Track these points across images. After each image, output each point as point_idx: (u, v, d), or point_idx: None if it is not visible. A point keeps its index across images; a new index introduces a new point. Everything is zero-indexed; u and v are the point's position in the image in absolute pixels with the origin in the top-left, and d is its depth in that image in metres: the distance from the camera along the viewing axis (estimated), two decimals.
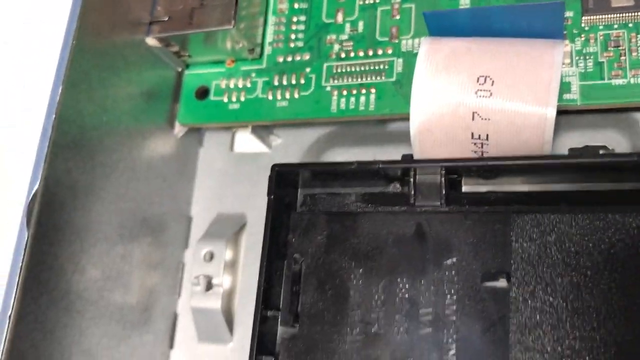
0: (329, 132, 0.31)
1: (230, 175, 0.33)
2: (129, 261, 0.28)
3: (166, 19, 0.29)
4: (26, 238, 0.21)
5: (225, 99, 0.30)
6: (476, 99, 0.22)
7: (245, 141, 0.33)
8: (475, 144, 0.22)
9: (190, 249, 0.32)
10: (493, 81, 0.22)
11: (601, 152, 0.23)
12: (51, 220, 0.23)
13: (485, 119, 0.22)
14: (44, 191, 0.23)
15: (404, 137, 0.29)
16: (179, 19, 0.29)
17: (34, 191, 0.22)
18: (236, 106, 0.30)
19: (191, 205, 0.33)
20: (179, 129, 0.32)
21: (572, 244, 0.20)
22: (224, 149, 0.33)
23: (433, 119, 0.22)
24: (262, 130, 0.32)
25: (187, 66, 0.32)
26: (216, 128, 0.33)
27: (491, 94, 0.22)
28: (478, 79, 0.22)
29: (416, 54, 0.28)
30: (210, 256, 0.30)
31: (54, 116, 0.23)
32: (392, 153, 0.29)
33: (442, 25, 0.24)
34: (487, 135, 0.22)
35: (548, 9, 0.22)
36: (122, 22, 0.28)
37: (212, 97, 0.31)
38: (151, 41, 0.29)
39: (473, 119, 0.22)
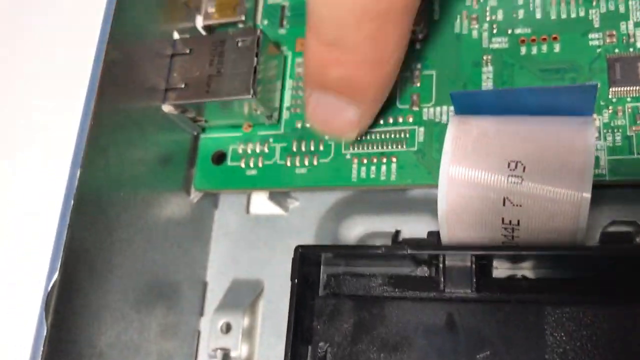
0: (347, 197, 0.31)
1: (246, 239, 0.32)
2: (146, 334, 0.27)
3: (182, 86, 0.29)
4: (45, 331, 0.21)
5: (243, 165, 0.30)
6: (507, 184, 0.21)
7: (262, 203, 0.32)
8: (505, 228, 0.22)
9: (206, 317, 0.31)
10: (524, 167, 0.21)
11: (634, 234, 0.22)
12: (69, 307, 0.23)
13: (517, 205, 0.21)
14: (62, 278, 0.22)
15: (426, 206, 0.29)
16: (196, 87, 0.29)
17: (52, 282, 0.21)
18: (254, 172, 0.30)
19: (206, 270, 0.32)
20: (194, 195, 0.31)
21: (609, 339, 0.19)
22: (240, 211, 0.33)
23: (462, 202, 0.22)
24: (278, 195, 0.31)
25: (203, 130, 0.31)
26: (230, 191, 0.33)
27: (522, 180, 0.21)
28: (509, 164, 0.21)
29: (438, 123, 0.27)
30: (227, 328, 0.29)
31: (72, 202, 0.22)
32: (414, 223, 0.29)
33: (469, 104, 0.23)
34: (519, 221, 0.21)
35: (581, 91, 0.22)
36: (138, 91, 0.27)
37: (229, 162, 0.30)
38: (167, 108, 0.29)
39: (504, 204, 0.21)
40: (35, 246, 0.22)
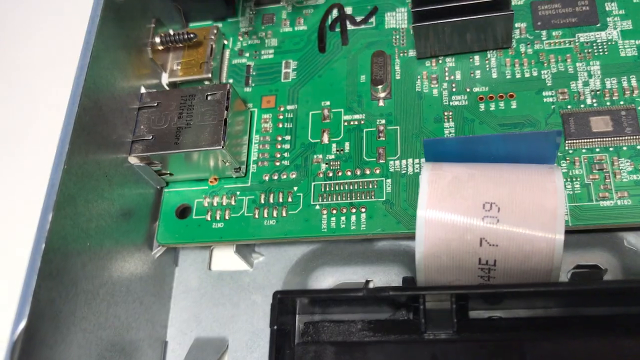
0: (313, 250, 0.31)
1: (209, 296, 0.31)
2: None
3: (150, 137, 0.29)
4: None
5: (209, 218, 0.30)
6: (483, 225, 0.22)
7: (224, 259, 0.32)
8: (482, 269, 0.22)
9: None
10: (499, 208, 0.22)
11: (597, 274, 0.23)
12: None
13: (493, 245, 0.22)
14: (27, 328, 0.21)
15: (394, 257, 0.29)
16: (164, 139, 0.29)
17: (19, 330, 0.20)
18: (220, 225, 0.29)
19: (167, 329, 0.31)
20: (157, 250, 0.30)
21: None
22: (202, 268, 0.32)
23: (440, 244, 0.22)
24: (244, 248, 0.31)
25: (167, 184, 0.31)
26: (192, 247, 0.32)
27: (498, 221, 0.22)
28: (484, 205, 0.22)
29: (404, 174, 0.28)
30: None
31: (43, 244, 0.21)
32: (381, 273, 0.29)
33: (439, 150, 0.24)
34: (495, 261, 0.22)
35: (544, 137, 0.23)
36: (106, 142, 0.27)
37: (194, 215, 0.30)
38: (133, 160, 0.29)
39: (481, 245, 0.22)
40: (1, 291, 0.21)
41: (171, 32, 0.32)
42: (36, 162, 0.23)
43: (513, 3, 0.31)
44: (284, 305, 0.23)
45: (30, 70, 0.26)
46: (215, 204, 0.30)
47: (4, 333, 0.20)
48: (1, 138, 0.23)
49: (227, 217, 0.29)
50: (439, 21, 0.28)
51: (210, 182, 0.30)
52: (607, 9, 0.30)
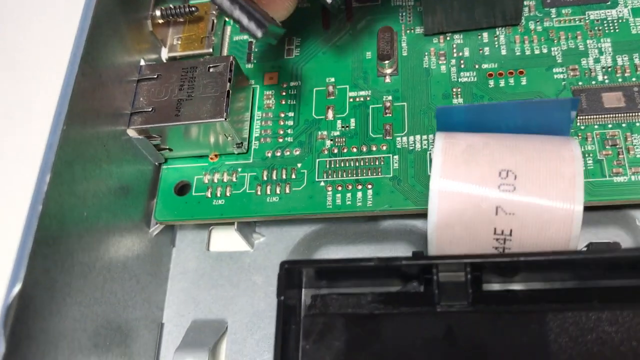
0: (316, 230, 0.30)
1: (207, 277, 0.30)
2: None
3: (150, 110, 0.28)
4: (3, 348, 0.18)
5: (209, 195, 0.29)
6: (499, 193, 0.21)
7: (223, 240, 0.31)
8: (497, 239, 0.21)
9: (165, 359, 0.29)
10: (515, 175, 0.21)
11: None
12: (26, 329, 0.20)
13: (510, 214, 0.21)
14: (21, 296, 0.20)
15: (399, 235, 0.28)
16: (164, 111, 0.28)
17: (13, 293, 0.19)
18: (221, 202, 0.28)
19: (163, 311, 0.30)
20: (154, 227, 0.29)
21: (615, 342, 0.19)
22: (200, 249, 0.31)
23: (454, 214, 0.21)
24: (245, 227, 0.30)
25: (166, 161, 0.30)
26: (190, 226, 0.31)
27: (515, 188, 0.21)
28: (500, 172, 0.21)
29: (411, 151, 0.27)
30: None
31: (40, 207, 0.20)
32: (388, 252, 0.28)
33: (452, 120, 0.23)
34: (511, 231, 0.21)
35: (559, 105, 0.22)
36: (105, 112, 0.26)
37: (193, 192, 0.29)
38: (132, 132, 0.28)
39: (497, 213, 0.21)
40: None
41: (171, 5, 0.31)
42: (34, 124, 0.22)
43: None
44: (290, 276, 0.22)
45: (29, 32, 0.25)
46: (215, 180, 0.29)
47: None
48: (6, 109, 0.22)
49: (228, 194, 0.28)
50: None
51: (211, 158, 0.29)
52: None
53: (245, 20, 0.23)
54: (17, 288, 0.19)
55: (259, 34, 0.23)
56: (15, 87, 0.23)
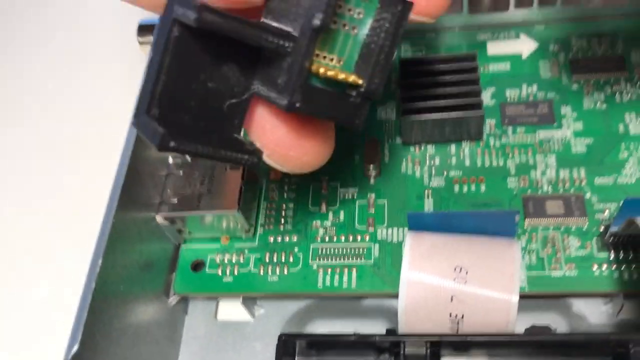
0: (309, 305, 0.35)
1: (214, 343, 0.35)
2: None
3: (175, 200, 0.34)
4: None
5: (220, 273, 0.34)
6: (454, 284, 0.27)
7: (228, 310, 0.36)
8: (452, 321, 0.27)
9: None
10: (467, 271, 0.27)
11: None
12: None
13: (462, 302, 0.27)
14: (76, 354, 0.25)
15: (378, 312, 0.34)
16: (187, 201, 0.34)
17: (72, 353, 0.24)
18: (229, 279, 0.34)
19: None
20: (173, 298, 0.35)
21: None
22: (209, 317, 0.36)
23: (419, 300, 0.27)
24: (249, 301, 0.35)
25: (184, 241, 0.36)
26: (201, 297, 0.37)
27: (466, 282, 0.27)
28: (455, 268, 0.27)
29: (390, 242, 0.33)
30: None
31: (93, 284, 0.26)
32: (368, 326, 0.34)
33: (421, 222, 0.29)
34: (463, 315, 0.27)
35: (504, 216, 0.28)
36: (141, 200, 0.32)
37: (207, 270, 0.35)
38: (159, 219, 0.33)
39: (451, 300, 0.27)
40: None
41: None
42: (90, 216, 0.27)
43: (485, 103, 0.37)
44: (286, 346, 0.28)
45: (84, 141, 0.31)
46: (226, 260, 0.35)
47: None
48: (63, 194, 0.28)
49: (235, 272, 0.34)
50: (422, 116, 0.34)
51: (223, 241, 0.35)
52: (562, 112, 0.36)
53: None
54: (75, 348, 0.24)
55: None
56: (74, 184, 0.29)
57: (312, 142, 0.25)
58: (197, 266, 0.35)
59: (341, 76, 0.23)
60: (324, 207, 0.35)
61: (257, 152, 0.25)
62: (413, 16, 0.24)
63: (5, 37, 0.50)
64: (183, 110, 0.22)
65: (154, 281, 0.33)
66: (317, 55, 0.23)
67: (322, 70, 0.23)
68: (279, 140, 0.25)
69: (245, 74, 0.24)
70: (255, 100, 0.24)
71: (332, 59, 0.23)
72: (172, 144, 0.21)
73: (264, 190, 0.37)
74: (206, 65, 0.22)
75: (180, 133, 0.21)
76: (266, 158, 0.25)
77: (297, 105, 0.23)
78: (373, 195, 0.35)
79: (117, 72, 0.44)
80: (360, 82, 0.24)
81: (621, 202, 0.28)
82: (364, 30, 0.23)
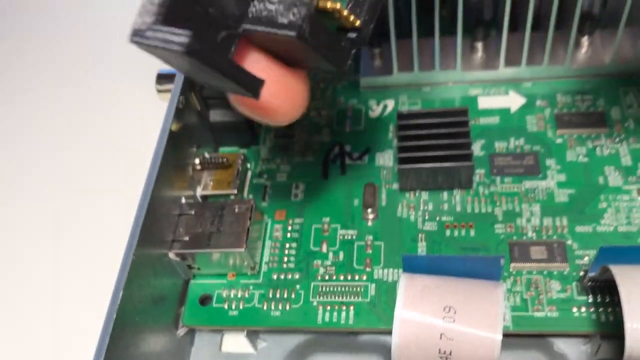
0: (308, 339, 0.37)
1: None
2: None
3: (187, 238, 0.36)
4: None
5: (226, 307, 0.37)
6: (443, 323, 0.29)
7: (232, 343, 0.39)
8: (441, 357, 0.29)
9: None
10: (455, 311, 0.30)
11: None
12: None
13: (450, 339, 0.29)
14: None
15: (373, 347, 0.36)
16: (197, 240, 0.36)
17: None
18: (235, 313, 0.36)
19: None
20: (181, 330, 0.37)
21: None
22: (213, 349, 0.38)
23: (411, 337, 0.30)
24: (252, 334, 0.38)
25: (194, 276, 0.38)
26: (207, 330, 0.39)
27: (454, 320, 0.29)
28: (444, 308, 0.30)
29: (385, 281, 0.36)
30: None
31: (114, 315, 0.28)
32: None
33: (414, 264, 0.32)
34: (451, 352, 0.29)
35: (490, 261, 0.31)
36: (156, 238, 0.35)
37: (214, 304, 0.37)
38: (172, 255, 0.36)
39: (441, 338, 0.29)
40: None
41: (207, 154, 0.40)
42: (111, 251, 0.30)
43: (476, 154, 0.40)
44: None
45: (108, 180, 0.34)
46: (232, 295, 0.37)
47: None
48: (86, 234, 0.30)
49: (241, 307, 0.37)
50: (417, 165, 0.37)
51: (229, 277, 0.38)
52: (547, 164, 0.39)
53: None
54: None
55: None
56: (95, 223, 0.32)
57: (289, 91, 0.26)
58: (205, 300, 0.37)
59: (344, 13, 0.25)
60: (324, 247, 0.38)
61: (259, 81, 0.24)
62: None
63: (30, 77, 0.54)
64: (192, 29, 0.21)
65: (165, 314, 0.36)
66: None
67: (329, 4, 0.24)
68: (272, 85, 0.25)
69: (239, 7, 0.24)
70: (244, 41, 0.25)
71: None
72: (198, 46, 0.21)
73: (269, 230, 0.39)
74: None
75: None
76: (244, 107, 0.26)
77: (306, 34, 0.23)
78: (371, 237, 0.38)
79: (137, 117, 0.47)
80: (357, 23, 0.26)
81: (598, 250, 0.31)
82: None
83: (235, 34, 0.24)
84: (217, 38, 0.23)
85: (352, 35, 0.26)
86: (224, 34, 0.23)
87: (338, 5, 0.25)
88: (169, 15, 0.21)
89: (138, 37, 0.22)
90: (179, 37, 0.21)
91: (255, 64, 0.25)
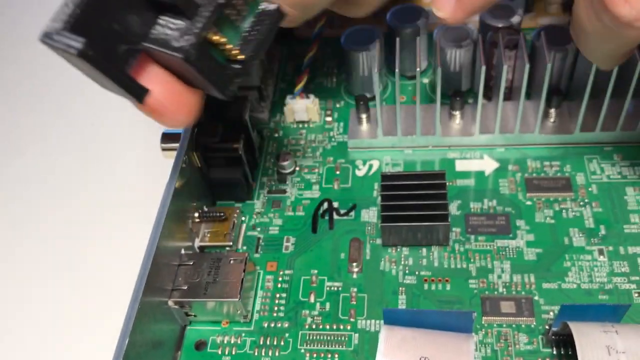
0: None
1: None
2: None
3: (185, 287, 0.39)
4: None
5: (219, 352, 0.39)
6: None
7: None
8: None
9: None
10: None
11: None
12: None
13: None
14: None
15: None
16: (195, 289, 0.39)
17: None
18: (228, 359, 0.39)
19: None
20: None
21: None
22: None
23: None
24: None
25: (190, 323, 0.41)
26: None
27: None
28: (420, 358, 0.33)
29: (368, 331, 0.39)
30: None
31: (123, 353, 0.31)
32: None
33: (394, 317, 0.35)
34: None
35: (463, 315, 0.34)
36: (157, 286, 0.37)
37: (208, 349, 0.40)
38: (171, 303, 0.39)
39: None
40: None
41: (205, 208, 0.43)
42: (118, 300, 0.33)
43: (452, 213, 0.43)
44: None
45: (116, 239, 0.37)
46: (225, 341, 0.40)
47: None
48: (94, 284, 0.33)
49: (233, 353, 0.39)
50: (399, 224, 0.41)
51: (223, 324, 0.41)
52: (517, 224, 0.43)
53: None
54: None
55: None
56: (105, 273, 0.35)
57: (178, 100, 0.30)
58: (200, 345, 0.40)
59: (228, 46, 0.29)
60: (312, 297, 0.41)
61: (144, 90, 0.29)
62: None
63: (39, 133, 0.57)
64: (91, 38, 0.26)
65: (163, 358, 0.38)
66: (211, 29, 0.28)
67: (216, 37, 0.28)
68: (159, 94, 0.29)
69: (143, 28, 0.28)
70: (144, 55, 0.29)
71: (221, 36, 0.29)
72: (91, 52, 0.25)
73: (261, 280, 0.42)
74: (119, 7, 0.27)
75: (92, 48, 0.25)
76: (139, 108, 0.30)
77: (192, 58, 0.27)
78: (355, 289, 0.41)
79: (142, 175, 0.51)
80: (240, 57, 0.29)
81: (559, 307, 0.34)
82: (246, 23, 0.30)
83: (135, 49, 0.28)
84: (116, 49, 0.27)
85: (237, 66, 0.30)
86: (125, 47, 0.28)
87: (224, 40, 0.29)
88: (75, 25, 0.26)
89: (46, 38, 0.26)
90: (76, 42, 0.25)
91: (150, 75, 0.29)
